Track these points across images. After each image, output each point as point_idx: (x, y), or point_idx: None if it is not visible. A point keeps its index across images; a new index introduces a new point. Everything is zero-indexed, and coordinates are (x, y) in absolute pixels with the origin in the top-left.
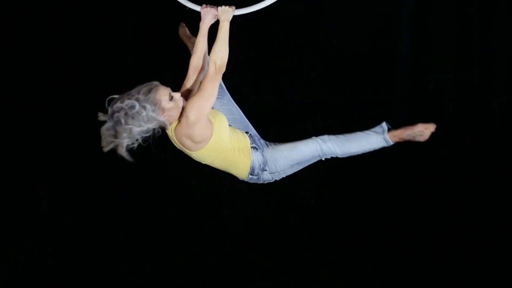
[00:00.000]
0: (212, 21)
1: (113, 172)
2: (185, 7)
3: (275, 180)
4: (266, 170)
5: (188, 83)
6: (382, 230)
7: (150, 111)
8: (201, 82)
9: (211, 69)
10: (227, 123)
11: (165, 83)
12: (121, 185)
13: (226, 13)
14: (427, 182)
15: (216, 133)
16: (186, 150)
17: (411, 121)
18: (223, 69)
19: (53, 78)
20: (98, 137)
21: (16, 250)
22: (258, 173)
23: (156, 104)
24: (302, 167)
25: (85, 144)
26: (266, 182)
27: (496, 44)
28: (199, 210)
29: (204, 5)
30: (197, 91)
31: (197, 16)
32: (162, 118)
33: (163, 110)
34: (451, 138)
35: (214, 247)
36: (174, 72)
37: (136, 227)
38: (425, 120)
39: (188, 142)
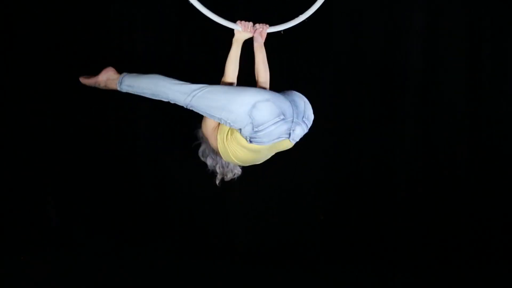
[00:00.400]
0: (247, 36)
1: (120, 187)
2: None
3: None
4: (240, 128)
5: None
6: (393, 246)
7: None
8: None
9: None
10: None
11: None
12: (129, 199)
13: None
14: (440, 198)
15: (218, 138)
16: None
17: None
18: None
19: (63, 94)
20: (107, 151)
21: (24, 264)
22: (246, 135)
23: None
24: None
25: (94, 158)
26: (260, 132)
27: (508, 56)
28: (207, 225)
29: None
30: None
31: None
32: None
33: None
34: (462, 149)
35: (221, 262)
36: None
37: (143, 241)
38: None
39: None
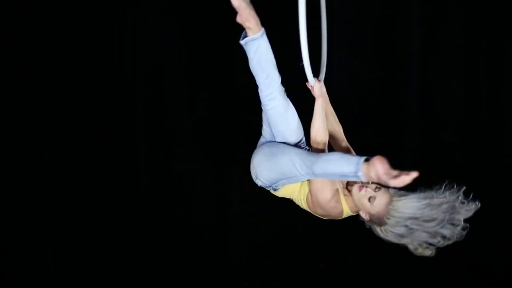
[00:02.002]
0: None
1: (119, 235)
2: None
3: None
4: None
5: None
6: None
7: None
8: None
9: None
10: None
11: None
12: (127, 249)
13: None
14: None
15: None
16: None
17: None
18: (319, 140)
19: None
20: (106, 199)
21: None
22: None
23: None
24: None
25: (94, 205)
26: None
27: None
28: (207, 274)
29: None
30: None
31: None
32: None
33: None
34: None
35: None
36: None
37: None
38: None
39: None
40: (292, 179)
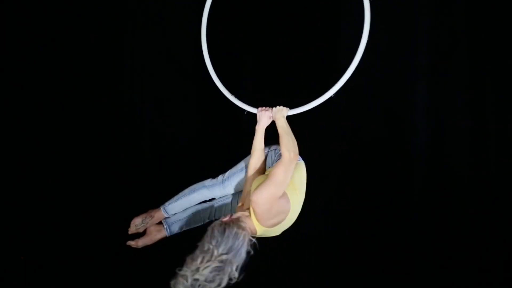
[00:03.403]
0: (268, 122)
1: (120, 264)
2: (243, 110)
3: None
4: None
5: (248, 185)
6: None
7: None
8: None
9: (285, 157)
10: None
11: None
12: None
13: (280, 111)
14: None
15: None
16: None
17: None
18: (296, 159)
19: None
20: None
21: None
22: None
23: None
24: None
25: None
26: None
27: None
28: None
29: (260, 108)
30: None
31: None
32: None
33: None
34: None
35: None
36: None
37: None
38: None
39: (273, 221)
40: None
